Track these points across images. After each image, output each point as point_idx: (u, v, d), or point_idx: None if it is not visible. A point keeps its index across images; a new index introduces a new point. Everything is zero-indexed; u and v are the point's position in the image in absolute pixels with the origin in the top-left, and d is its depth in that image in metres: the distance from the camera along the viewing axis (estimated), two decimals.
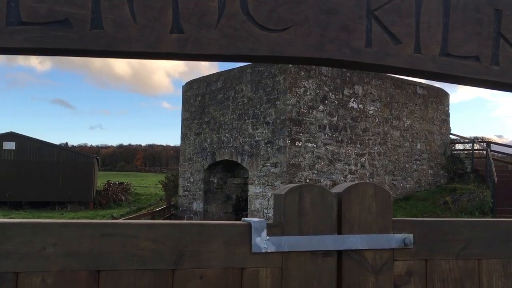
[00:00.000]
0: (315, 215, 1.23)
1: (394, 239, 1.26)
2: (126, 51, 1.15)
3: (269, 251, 1.17)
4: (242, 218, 1.23)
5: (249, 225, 1.18)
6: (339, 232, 1.24)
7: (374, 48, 1.29)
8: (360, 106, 15.71)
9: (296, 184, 1.22)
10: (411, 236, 1.28)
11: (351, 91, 15.47)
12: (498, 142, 23.49)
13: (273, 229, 1.19)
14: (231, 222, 1.19)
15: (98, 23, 1.13)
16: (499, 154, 20.59)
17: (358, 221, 1.26)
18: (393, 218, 1.28)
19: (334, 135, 14.90)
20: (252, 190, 14.83)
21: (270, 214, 14.01)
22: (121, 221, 1.13)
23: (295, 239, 1.19)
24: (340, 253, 1.24)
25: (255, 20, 1.21)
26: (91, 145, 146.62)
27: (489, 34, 1.36)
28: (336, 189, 1.28)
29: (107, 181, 40.00)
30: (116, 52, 1.15)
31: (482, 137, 24.93)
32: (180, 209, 18.19)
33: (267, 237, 1.17)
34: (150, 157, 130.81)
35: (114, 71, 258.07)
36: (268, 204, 14.15)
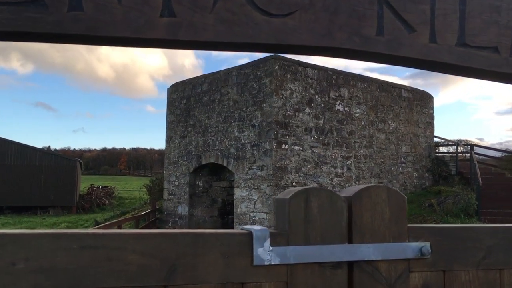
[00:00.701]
0: (323, 222, 1.10)
1: (410, 249, 1.14)
2: (109, 37, 1.00)
3: (272, 263, 1.04)
4: (241, 226, 1.09)
5: (250, 234, 1.04)
6: (350, 241, 1.11)
7: (386, 37, 1.16)
8: (346, 109, 15.68)
9: (302, 188, 1.09)
10: (428, 244, 1.15)
11: (337, 94, 15.44)
12: (481, 144, 23.71)
13: (277, 238, 1.06)
14: (230, 231, 1.05)
15: (78, 4, 0.98)
16: (481, 157, 20.76)
17: (370, 228, 1.13)
18: (408, 225, 1.16)
19: (321, 138, 14.84)
20: (238, 193, 14.67)
21: (256, 218, 13.87)
22: (104, 231, 0.98)
23: (302, 249, 1.06)
24: (351, 264, 1.11)
25: (255, 3, 1.08)
26: (74, 148, 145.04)
27: (507, 22, 1.25)
28: (345, 193, 1.15)
29: (91, 185, 39.45)
30: (97, 38, 1.01)
31: (466, 140, 25.16)
32: (165, 213, 17.94)
33: (271, 248, 1.04)
34: (134, 161, 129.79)
35: (97, 74, 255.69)
36: (254, 207, 14.01)
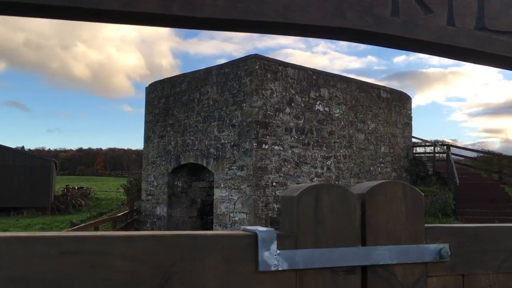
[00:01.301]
0: (335, 223, 0.98)
1: (428, 251, 1.03)
2: (94, 9, 0.87)
3: (280, 269, 0.92)
4: (243, 227, 0.97)
5: (254, 235, 0.92)
6: (363, 243, 1.00)
7: (401, 17, 1.06)
8: (326, 109, 15.68)
9: (312, 184, 0.97)
10: (447, 246, 1.05)
11: (317, 94, 15.42)
12: (457, 145, 24.06)
13: (285, 241, 0.94)
14: (232, 233, 0.93)
15: None
16: (457, 157, 21.05)
17: (385, 229, 1.02)
18: (426, 225, 1.05)
19: (301, 138, 14.79)
20: (218, 193, 14.51)
21: (236, 218, 13.74)
22: (87, 233, 0.84)
23: (312, 253, 0.94)
24: (364, 269, 1.00)
25: None
26: (49, 148, 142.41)
27: None
28: (357, 190, 1.04)
29: (66, 185, 38.67)
30: (81, 11, 0.87)
31: (443, 141, 25.50)
32: (143, 213, 17.65)
33: (278, 251, 0.92)
34: (111, 161, 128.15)
35: (73, 73, 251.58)
36: (234, 208, 13.87)
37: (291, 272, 0.93)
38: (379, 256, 0.99)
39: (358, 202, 1.00)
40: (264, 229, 0.92)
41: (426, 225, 1.05)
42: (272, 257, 0.91)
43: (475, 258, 1.08)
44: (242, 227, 0.97)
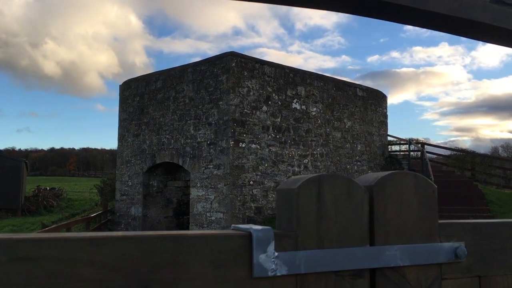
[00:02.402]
0: (340, 219, 0.85)
1: (443, 250, 0.91)
2: None
3: (278, 274, 0.78)
4: (234, 225, 0.83)
5: (248, 235, 0.78)
6: (372, 242, 0.88)
7: None
8: (303, 107, 15.63)
9: (313, 175, 0.84)
10: (463, 245, 0.93)
11: (294, 92, 15.36)
12: (432, 143, 24.41)
13: (283, 241, 0.80)
14: (222, 232, 0.78)
15: None
16: (430, 155, 21.32)
17: (396, 226, 0.89)
18: (440, 221, 0.93)
19: (278, 136, 14.70)
20: (194, 193, 14.30)
21: (213, 218, 13.56)
22: (47, 235, 0.69)
23: (314, 254, 0.81)
24: (373, 272, 0.87)
25: None
26: (20, 148, 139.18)
27: None
28: (364, 181, 0.91)
29: (37, 186, 37.73)
30: None
31: (417, 139, 25.83)
32: (118, 214, 17.28)
33: (275, 253, 0.78)
34: (84, 161, 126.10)
35: (43, 71, 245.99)
36: (211, 207, 13.69)
37: (291, 277, 0.79)
38: (389, 257, 0.86)
39: (366, 195, 0.87)
40: (259, 227, 0.79)
41: (439, 221, 0.93)
42: (269, 260, 0.77)
43: (492, 258, 0.96)
44: (233, 225, 0.84)
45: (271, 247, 0.78)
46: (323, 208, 0.83)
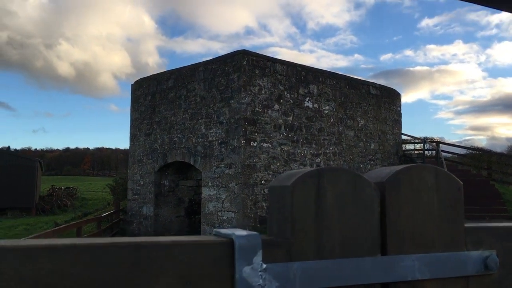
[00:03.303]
0: (345, 223, 0.70)
1: (470, 260, 0.75)
2: None
3: None
4: (215, 230, 0.68)
5: (229, 243, 0.63)
6: (384, 251, 0.72)
7: None
8: (315, 105, 15.43)
9: (311, 169, 0.69)
10: (494, 253, 0.77)
11: (306, 90, 15.16)
12: (446, 142, 24.01)
13: (274, 250, 0.65)
14: (196, 239, 0.63)
15: None
16: (445, 154, 20.95)
17: (413, 230, 0.74)
18: (466, 225, 0.77)
19: (290, 135, 14.52)
20: (206, 192, 14.19)
21: (224, 217, 13.44)
22: None
23: (313, 266, 0.66)
24: (385, 286, 0.71)
25: None
26: (36, 148, 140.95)
27: None
28: (374, 177, 0.75)
29: (52, 185, 38.06)
30: None
31: (431, 138, 25.44)
32: (129, 213, 17.26)
33: (264, 265, 0.63)
34: (99, 161, 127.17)
35: (57, 72, 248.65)
36: (223, 206, 13.57)
37: None
38: (405, 269, 0.71)
39: (376, 193, 0.72)
40: (244, 232, 0.64)
41: (466, 225, 0.77)
42: (255, 274, 0.62)
43: None
44: (215, 230, 0.69)
45: (258, 258, 0.63)
46: (324, 209, 0.68)
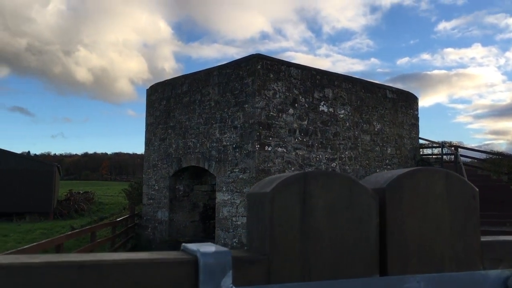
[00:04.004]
0: (336, 237, 0.59)
1: (488, 281, 0.64)
2: None
3: None
4: (183, 245, 0.58)
5: (193, 261, 0.53)
6: (383, 270, 0.61)
7: None
8: (331, 109, 15.26)
9: (296, 173, 0.58)
10: None
11: (321, 94, 15.01)
12: (465, 146, 23.56)
13: (249, 270, 0.54)
14: (155, 256, 0.53)
15: None
16: (464, 159, 20.53)
17: (418, 245, 0.63)
18: (482, 239, 0.66)
19: (305, 140, 14.38)
20: (220, 197, 14.11)
21: (239, 222, 13.34)
22: None
23: None
24: None
25: None
26: (55, 153, 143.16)
27: None
28: (372, 182, 0.64)
29: (69, 190, 38.45)
30: None
31: (450, 142, 25.00)
32: (144, 218, 17.27)
33: None
34: (117, 166, 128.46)
35: (75, 78, 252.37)
36: (237, 211, 13.47)
37: None
38: None
39: (375, 201, 0.61)
40: (212, 249, 0.53)
41: (482, 238, 0.65)
42: None
43: None
44: (183, 244, 0.59)
45: (228, 280, 0.52)
46: (311, 221, 0.57)
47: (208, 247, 0.53)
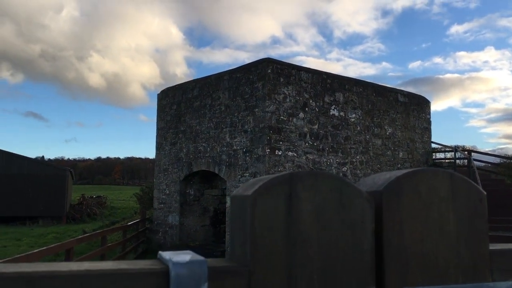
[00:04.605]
0: (327, 245, 0.53)
1: None
2: None
3: None
4: (159, 253, 0.52)
5: (165, 272, 0.47)
6: (380, 283, 0.55)
7: None
8: (341, 113, 15.15)
9: (281, 174, 0.52)
10: None
11: (331, 98, 14.91)
12: (479, 150, 23.25)
13: (227, 281, 0.49)
14: (120, 266, 0.48)
15: None
16: (478, 163, 20.23)
17: (420, 255, 0.56)
18: (491, 247, 0.59)
19: (315, 144, 14.28)
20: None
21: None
22: None
23: None
24: None
25: None
26: (68, 158, 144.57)
27: None
28: (368, 185, 0.58)
29: (82, 194, 38.73)
30: None
31: (463, 146, 24.68)
32: (155, 222, 17.28)
33: None
34: (129, 170, 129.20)
35: (88, 83, 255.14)
36: None
37: None
38: None
39: (370, 206, 0.55)
40: (186, 258, 0.47)
41: (491, 247, 0.59)
42: None
43: None
44: (160, 252, 0.53)
45: None
46: (298, 227, 0.52)
47: (183, 256, 0.48)
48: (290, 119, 13.73)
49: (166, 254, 0.49)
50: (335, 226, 0.53)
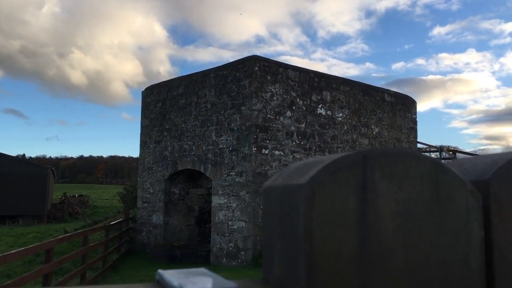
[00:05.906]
0: (416, 261, 0.35)
1: None
2: None
3: None
4: (159, 271, 0.34)
5: None
6: None
7: None
8: (329, 112, 15.06)
9: (349, 153, 0.34)
10: None
11: (319, 97, 14.81)
12: (463, 151, 23.43)
13: None
14: None
15: None
16: None
17: None
18: None
19: (302, 143, 14.16)
20: (216, 200, 13.86)
21: (235, 227, 13.08)
22: None
23: None
24: None
25: None
26: (50, 156, 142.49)
27: None
28: (468, 170, 0.40)
29: (64, 193, 38.06)
30: None
31: (448, 146, 24.85)
32: (139, 222, 16.98)
33: None
34: (112, 169, 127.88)
35: (69, 80, 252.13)
36: (233, 215, 13.21)
37: None
38: None
39: (477, 203, 0.37)
40: (207, 284, 0.29)
41: None
42: None
43: None
44: (159, 270, 0.35)
45: None
46: (377, 237, 0.34)
47: (200, 281, 0.29)
48: (277, 117, 13.59)
49: (172, 278, 0.31)
50: (429, 235, 0.35)
